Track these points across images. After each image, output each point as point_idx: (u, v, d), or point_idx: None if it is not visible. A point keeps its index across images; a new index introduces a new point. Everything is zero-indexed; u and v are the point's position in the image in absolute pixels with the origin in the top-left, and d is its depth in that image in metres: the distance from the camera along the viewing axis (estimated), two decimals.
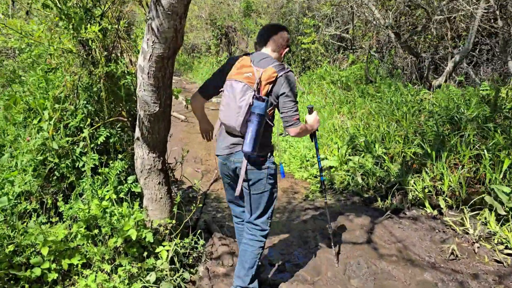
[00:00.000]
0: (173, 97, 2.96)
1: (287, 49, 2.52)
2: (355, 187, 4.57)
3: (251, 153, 2.31)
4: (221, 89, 2.47)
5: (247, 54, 2.50)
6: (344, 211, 4.09)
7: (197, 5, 16.20)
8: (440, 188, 4.04)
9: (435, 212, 3.79)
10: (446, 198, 3.92)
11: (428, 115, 5.59)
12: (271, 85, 2.34)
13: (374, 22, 9.17)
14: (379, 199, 4.22)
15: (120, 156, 2.92)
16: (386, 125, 5.62)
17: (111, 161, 2.91)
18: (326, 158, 5.43)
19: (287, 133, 2.46)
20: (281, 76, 2.34)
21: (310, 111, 2.72)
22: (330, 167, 5.22)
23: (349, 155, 5.21)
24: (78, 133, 2.79)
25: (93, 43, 2.56)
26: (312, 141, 2.98)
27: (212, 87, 2.56)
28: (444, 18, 7.55)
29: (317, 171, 5.32)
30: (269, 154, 2.48)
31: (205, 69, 15.66)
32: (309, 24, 9.58)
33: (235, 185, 2.62)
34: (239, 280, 2.62)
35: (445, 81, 7.50)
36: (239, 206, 2.84)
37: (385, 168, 4.68)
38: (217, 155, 2.61)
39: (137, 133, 2.73)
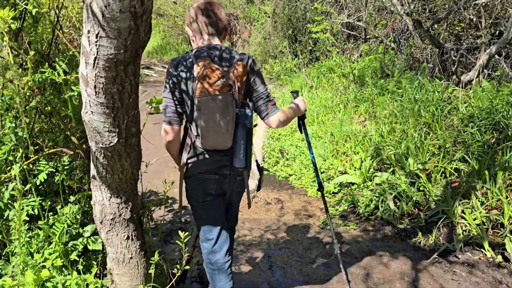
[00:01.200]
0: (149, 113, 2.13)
1: (229, 28, 2.10)
2: (385, 214, 3.69)
3: (245, 168, 2.02)
4: (178, 118, 2.00)
5: (198, 53, 1.92)
6: (375, 249, 3.22)
7: None
8: (498, 220, 3.17)
9: (499, 258, 2.91)
10: (508, 234, 3.05)
11: (467, 119, 4.68)
12: (245, 82, 1.97)
13: (392, 9, 8.21)
14: (419, 233, 3.34)
15: (72, 198, 2.04)
16: (414, 130, 4.73)
17: (60, 206, 2.04)
18: (346, 172, 4.55)
19: (272, 126, 2.12)
20: (249, 66, 1.98)
21: (296, 95, 2.48)
22: (351, 184, 4.35)
23: (375, 169, 4.33)
24: (8, 169, 1.92)
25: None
26: (301, 133, 2.59)
27: (178, 113, 2.00)
28: (476, 4, 6.58)
29: (335, 187, 4.45)
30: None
31: None
32: (319, 11, 8.61)
33: (220, 198, 2.18)
34: None
35: (477, 76, 6.57)
36: (224, 225, 2.24)
37: (421, 188, 3.80)
38: (198, 173, 2.07)
39: (92, 171, 1.86)
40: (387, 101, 6.04)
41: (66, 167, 2.01)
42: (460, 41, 8.25)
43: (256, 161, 2.40)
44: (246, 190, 2.16)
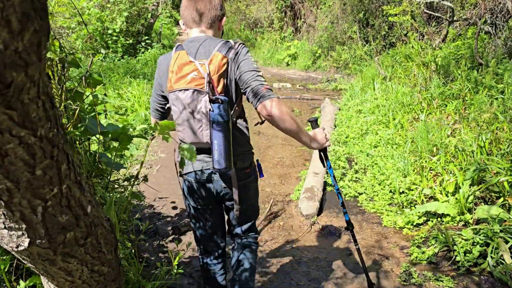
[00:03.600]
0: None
1: (224, 18, 1.90)
2: (497, 269, 2.66)
3: (225, 168, 1.77)
4: (160, 108, 1.99)
5: (179, 46, 1.82)
6: None
7: None
8: None
9: None
10: None
11: None
12: (225, 77, 1.75)
13: None
14: None
15: (23, 284, 1.33)
16: None
17: None
18: (434, 198, 3.52)
19: (264, 118, 1.80)
20: (232, 55, 1.75)
21: (314, 124, 2.09)
22: (441, 216, 3.32)
23: (476, 198, 3.27)
24: None
25: None
26: (324, 166, 2.25)
27: (155, 107, 2.00)
28: None
29: (419, 216, 3.45)
30: (251, 162, 2.01)
31: (267, 46, 13.84)
32: None
33: (213, 206, 2.09)
34: None
35: None
36: (217, 232, 2.19)
37: None
38: (185, 174, 1.99)
39: None
40: (485, 100, 4.82)
41: None
42: None
43: (257, 160, 2.11)
44: (234, 193, 1.95)
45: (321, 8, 11.87)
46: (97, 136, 1.86)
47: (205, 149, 1.88)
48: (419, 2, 7.23)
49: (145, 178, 2.30)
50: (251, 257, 2.21)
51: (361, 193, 4.07)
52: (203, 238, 2.17)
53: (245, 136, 1.95)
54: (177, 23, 28.94)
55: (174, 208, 3.95)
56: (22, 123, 0.60)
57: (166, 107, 1.95)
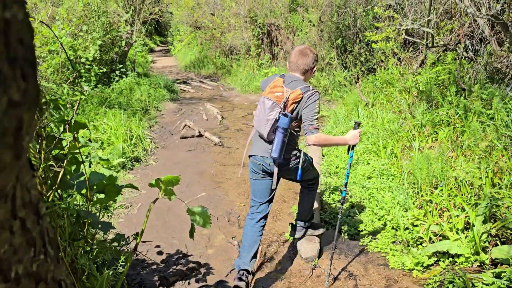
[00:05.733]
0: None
1: (315, 68, 2.97)
2: None
3: (278, 159, 2.79)
4: None
5: (282, 75, 2.97)
6: None
7: (235, 1, 14.30)
8: None
9: None
10: None
11: None
12: (296, 104, 2.83)
13: (468, 10, 6.84)
14: None
15: None
16: None
17: None
18: (444, 237, 3.29)
19: (307, 144, 2.84)
20: (306, 96, 2.80)
21: (356, 126, 3.01)
22: (453, 256, 3.09)
23: (491, 236, 3.05)
24: None
25: None
26: (348, 154, 3.15)
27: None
28: None
29: (429, 256, 3.19)
30: (295, 155, 2.98)
31: (244, 73, 13.67)
32: (381, 16, 7.36)
33: (263, 181, 3.05)
34: (301, 217, 3.45)
35: None
36: (265, 193, 3.09)
37: None
38: (251, 156, 3.05)
39: None
40: (477, 127, 4.71)
41: None
42: None
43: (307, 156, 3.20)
44: (275, 177, 2.96)
45: (298, 34, 11.87)
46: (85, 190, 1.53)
47: (266, 141, 2.94)
48: (400, 28, 7.23)
49: (135, 248, 1.96)
50: (312, 195, 3.37)
51: (361, 230, 3.80)
52: (252, 197, 3.17)
53: (294, 140, 3.00)
54: (150, 50, 28.68)
55: (160, 253, 3.57)
56: None
57: None
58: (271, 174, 2.99)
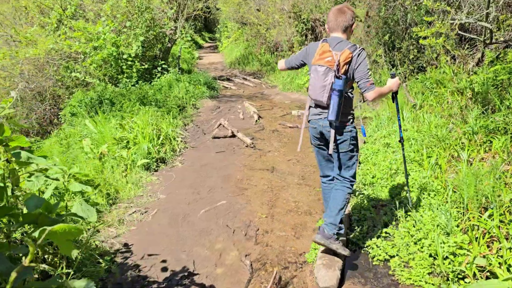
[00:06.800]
0: None
1: (354, 25, 3.00)
2: None
3: (335, 121, 2.89)
4: (296, 66, 3.32)
5: (324, 40, 2.99)
6: None
7: None
8: None
9: None
10: None
11: None
12: (347, 65, 2.88)
13: None
14: None
15: None
16: None
17: None
18: (492, 273, 2.73)
19: (366, 100, 3.01)
20: (355, 54, 2.86)
21: (393, 76, 3.17)
22: None
23: None
24: None
25: None
26: (393, 102, 3.44)
27: (294, 64, 3.33)
28: None
29: None
30: (350, 120, 3.07)
31: (287, 71, 13.21)
32: (432, 8, 6.66)
33: (323, 146, 3.25)
34: (331, 218, 3.13)
35: None
36: (327, 165, 3.36)
37: None
38: (309, 120, 3.19)
39: None
40: None
41: None
42: None
43: (362, 125, 3.45)
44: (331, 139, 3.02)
45: None
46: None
47: (323, 106, 3.01)
48: (453, 23, 6.50)
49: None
50: (342, 194, 3.17)
51: (393, 256, 3.30)
52: (320, 164, 3.42)
53: (349, 103, 3.04)
54: (199, 46, 28.83)
55: (164, 269, 3.27)
56: None
57: (299, 67, 3.33)
58: (327, 142, 3.13)
